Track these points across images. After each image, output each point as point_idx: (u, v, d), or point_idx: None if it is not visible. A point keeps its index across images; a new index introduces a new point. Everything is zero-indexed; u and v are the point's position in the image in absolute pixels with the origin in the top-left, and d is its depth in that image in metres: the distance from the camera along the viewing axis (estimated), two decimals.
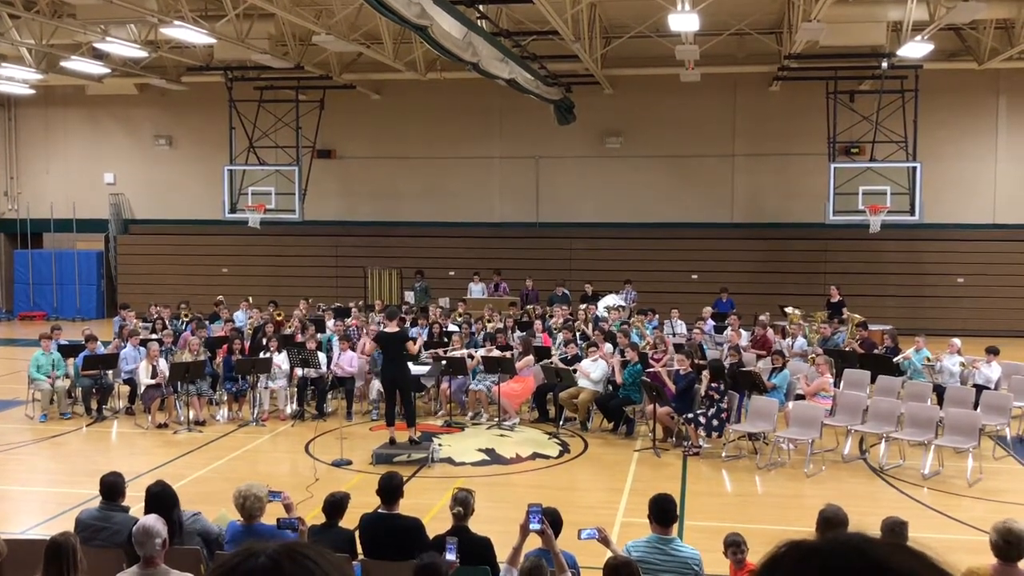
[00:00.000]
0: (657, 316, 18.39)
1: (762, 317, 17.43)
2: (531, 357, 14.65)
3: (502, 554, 6.29)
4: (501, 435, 13.52)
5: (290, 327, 17.35)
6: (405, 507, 7.18)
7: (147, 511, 6.31)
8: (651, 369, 13.57)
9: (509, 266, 23.42)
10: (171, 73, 23.22)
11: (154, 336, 16.02)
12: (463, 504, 6.63)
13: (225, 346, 15.20)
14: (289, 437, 13.55)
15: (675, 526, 6.53)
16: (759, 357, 15.32)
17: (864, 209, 19.94)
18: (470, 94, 23.61)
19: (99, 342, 15.15)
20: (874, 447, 12.12)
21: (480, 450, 12.63)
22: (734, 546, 6.46)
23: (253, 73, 22.13)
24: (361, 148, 25.73)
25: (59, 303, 26.78)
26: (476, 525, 6.73)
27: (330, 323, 17.43)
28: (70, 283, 26.78)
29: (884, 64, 19.13)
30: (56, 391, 14.48)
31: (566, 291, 21.39)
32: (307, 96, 23.45)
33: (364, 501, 7.88)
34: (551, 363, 14.63)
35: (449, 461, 12.09)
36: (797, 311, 18.11)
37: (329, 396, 14.92)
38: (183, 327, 17.45)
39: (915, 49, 16.81)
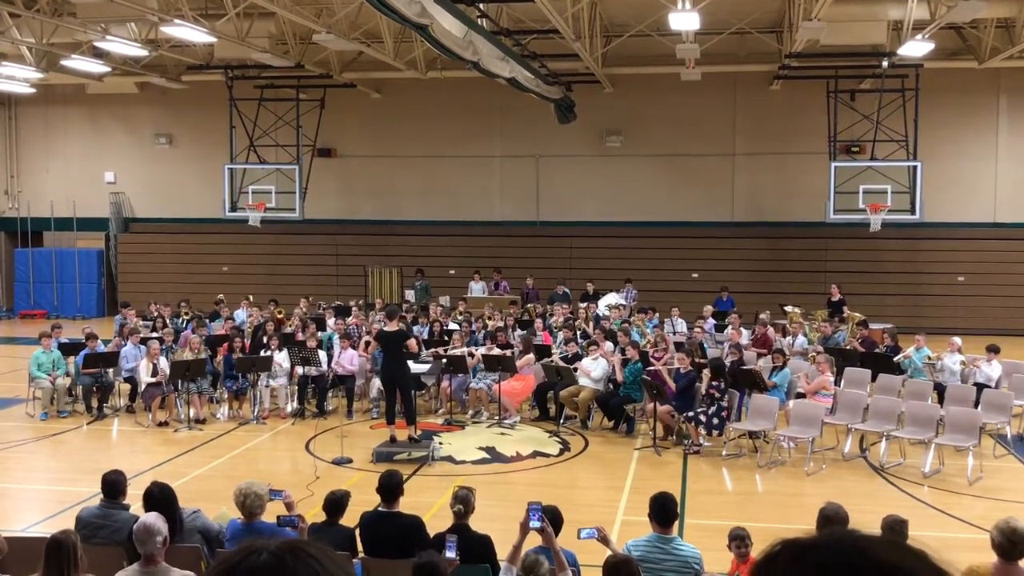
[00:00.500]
0: (657, 314, 18.38)
1: (763, 316, 17.44)
2: (532, 355, 14.64)
3: (502, 552, 6.30)
4: (501, 433, 13.53)
5: (291, 325, 17.35)
6: (405, 505, 7.18)
7: (146, 510, 6.32)
8: (651, 368, 13.58)
9: (510, 265, 23.42)
10: (171, 72, 23.22)
11: (154, 334, 16.03)
12: (463, 502, 6.63)
13: (226, 344, 15.20)
14: (289, 435, 13.56)
15: (675, 525, 6.54)
16: (760, 356, 15.31)
17: (865, 208, 19.93)
18: (471, 93, 23.60)
19: (99, 340, 15.16)
20: (874, 445, 12.12)
21: (480, 448, 12.64)
22: (738, 540, 6.46)
23: (253, 72, 22.12)
24: (361, 147, 25.73)
25: (59, 301, 26.79)
26: (476, 523, 6.73)
27: (331, 321, 17.43)
28: (70, 281, 26.78)
29: (885, 63, 19.12)
30: (56, 389, 14.49)
31: (567, 290, 21.39)
32: (307, 95, 23.45)
33: (364, 499, 7.88)
34: (552, 361, 14.64)
35: (449, 459, 12.09)
36: (797, 310, 18.11)
37: (330, 394, 14.92)
38: (183, 325, 17.45)
39: (916, 48, 16.80)
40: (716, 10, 16.26)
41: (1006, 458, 12.23)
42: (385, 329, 12.59)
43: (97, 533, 6.59)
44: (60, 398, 14.56)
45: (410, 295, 22.18)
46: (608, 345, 14.84)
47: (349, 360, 14.73)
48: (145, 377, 14.21)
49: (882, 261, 23.16)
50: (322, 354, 14.85)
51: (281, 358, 14.63)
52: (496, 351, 14.68)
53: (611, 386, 13.87)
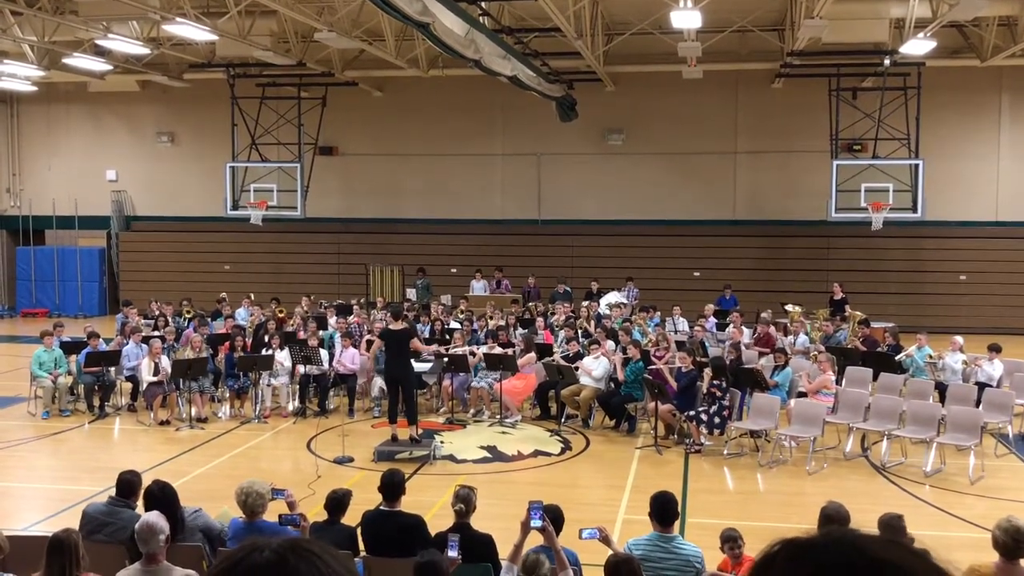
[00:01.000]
0: (659, 313, 18.38)
1: (764, 314, 17.43)
2: (533, 354, 14.65)
3: (504, 551, 6.30)
4: (503, 432, 13.53)
5: (292, 324, 17.37)
6: (407, 504, 7.19)
7: (147, 510, 6.32)
8: (653, 366, 13.58)
9: (511, 263, 23.42)
10: (173, 70, 23.23)
11: (156, 333, 16.04)
12: (465, 501, 6.63)
13: (227, 343, 15.21)
14: (291, 434, 13.56)
15: (676, 524, 6.54)
16: (762, 354, 15.31)
17: (866, 206, 19.91)
18: (472, 91, 23.60)
19: (101, 339, 15.17)
20: (876, 445, 12.11)
21: (482, 447, 12.64)
22: (731, 541, 6.47)
23: (255, 70, 22.12)
24: (363, 145, 25.73)
25: (61, 300, 26.81)
26: (478, 522, 6.73)
27: (332, 320, 17.44)
28: (72, 280, 26.79)
29: (886, 61, 19.09)
30: (58, 388, 14.50)
31: (568, 288, 21.39)
32: (309, 93, 23.44)
33: (366, 498, 7.88)
34: (553, 360, 14.64)
35: (451, 458, 12.09)
36: (798, 308, 18.11)
37: (331, 393, 14.93)
38: (185, 324, 17.46)
39: (918, 46, 16.79)
40: (718, 8, 16.24)
41: (1007, 457, 12.22)
42: (390, 327, 12.58)
43: (101, 530, 6.60)
44: (62, 397, 14.57)
45: (411, 294, 22.18)
46: (609, 344, 14.84)
47: (350, 359, 14.73)
48: (147, 376, 14.22)
49: (884, 260, 23.14)
50: (323, 353, 14.86)
51: (283, 357, 14.63)
52: (497, 350, 14.68)
53: (612, 385, 13.87)
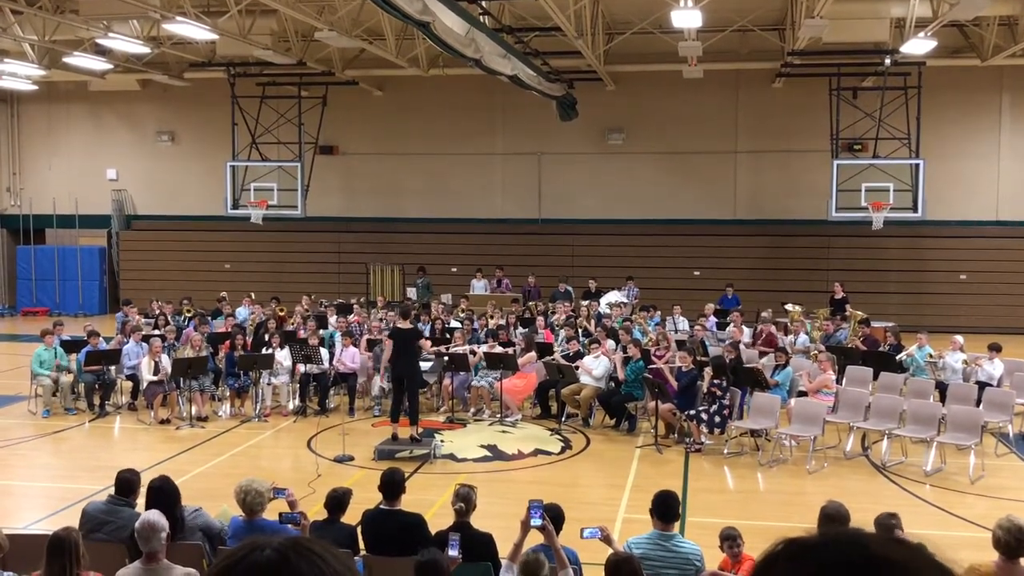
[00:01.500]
0: (659, 312, 18.38)
1: (764, 314, 17.42)
2: (533, 353, 14.65)
3: (504, 550, 6.30)
4: (503, 431, 13.53)
5: (292, 323, 17.37)
6: (407, 503, 7.19)
7: (148, 505, 6.33)
8: (653, 366, 13.58)
9: (511, 262, 23.41)
10: (173, 69, 23.22)
11: (156, 332, 16.05)
12: (465, 500, 6.63)
13: (227, 342, 15.21)
14: (291, 433, 13.56)
15: (676, 523, 6.54)
16: (763, 354, 15.30)
17: (867, 206, 19.91)
18: (472, 90, 23.60)
19: (101, 338, 15.17)
20: (876, 444, 12.10)
21: (482, 446, 12.64)
22: (730, 540, 6.48)
23: (255, 69, 22.12)
24: (363, 144, 25.73)
25: (61, 299, 26.81)
26: (478, 521, 6.74)
27: (332, 319, 17.44)
28: (72, 279, 26.79)
29: (887, 61, 19.10)
30: (62, 387, 14.52)
31: (568, 287, 21.39)
32: (309, 92, 23.44)
33: (366, 497, 7.88)
34: (553, 359, 14.65)
35: (451, 457, 12.09)
36: (798, 308, 18.10)
37: (331, 392, 14.92)
38: (185, 323, 17.47)
39: (918, 46, 16.79)
40: (718, 7, 16.24)
41: (1008, 457, 12.23)
42: (399, 327, 12.57)
43: (101, 528, 6.60)
44: (66, 395, 14.58)
45: (412, 293, 22.18)
46: (610, 343, 14.84)
47: (351, 358, 14.73)
48: (147, 375, 14.22)
49: (884, 259, 23.14)
50: (324, 352, 14.85)
51: (283, 356, 14.63)
52: (498, 349, 14.68)
53: (613, 384, 13.88)
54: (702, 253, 24.11)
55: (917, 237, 23.13)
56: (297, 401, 14.69)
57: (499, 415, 14.15)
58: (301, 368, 14.55)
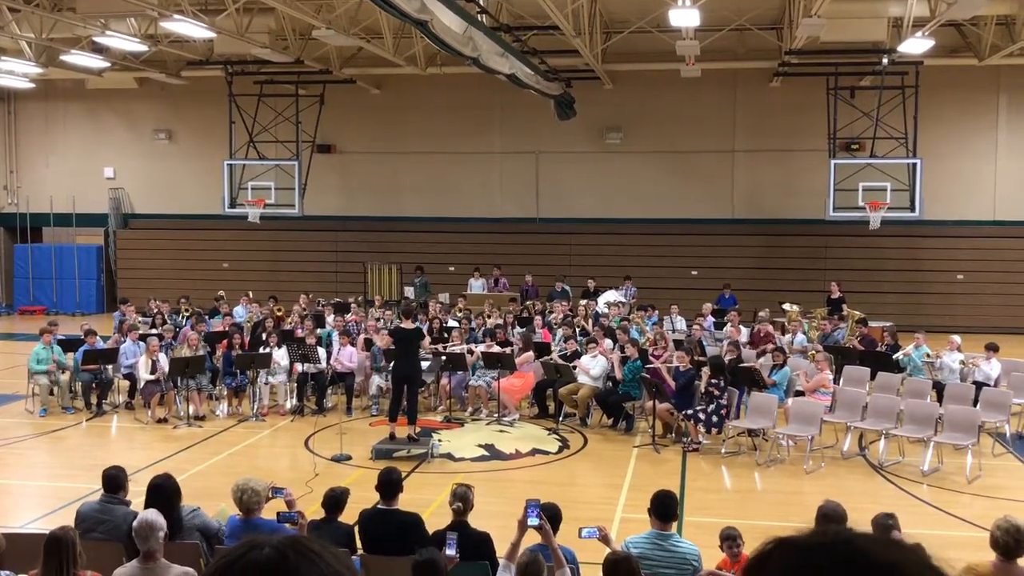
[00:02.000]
0: (657, 312, 18.39)
1: (761, 313, 17.43)
2: (531, 353, 14.65)
3: (501, 549, 6.29)
4: (500, 431, 13.53)
5: (290, 322, 17.35)
6: (404, 502, 7.19)
7: (148, 503, 6.32)
8: (651, 365, 13.58)
9: (509, 262, 23.41)
10: (171, 67, 23.19)
11: (154, 331, 16.03)
12: (462, 499, 6.63)
13: (225, 341, 15.20)
14: (289, 432, 13.56)
15: (675, 523, 6.54)
16: (760, 353, 15.31)
17: (864, 205, 19.93)
18: (470, 89, 23.58)
19: (98, 337, 15.15)
20: (873, 444, 12.12)
21: (479, 446, 12.64)
22: (730, 540, 6.47)
23: (253, 67, 22.10)
24: (361, 143, 25.71)
25: (58, 298, 26.77)
26: (475, 520, 6.74)
27: (330, 318, 17.42)
28: (70, 278, 26.76)
29: (885, 60, 19.10)
30: (60, 385, 14.50)
31: (566, 287, 21.38)
32: (307, 91, 23.42)
33: (363, 496, 7.88)
34: (551, 359, 14.64)
35: (448, 457, 12.09)
36: (795, 308, 18.11)
37: (329, 391, 14.91)
38: (183, 322, 17.45)
39: (916, 45, 16.79)
40: (716, 7, 16.24)
41: (1004, 456, 12.24)
42: (403, 327, 12.55)
43: (96, 528, 6.60)
44: (63, 394, 14.56)
45: (409, 292, 22.16)
46: (607, 343, 14.83)
47: (348, 357, 14.72)
48: (144, 374, 14.19)
49: (882, 259, 23.15)
50: (321, 351, 14.84)
51: (280, 355, 14.63)
52: (495, 348, 14.68)
53: (610, 384, 13.87)
54: (700, 252, 24.12)
55: (914, 237, 23.15)
56: (294, 400, 14.68)
57: (497, 414, 14.15)
58: (299, 367, 14.55)
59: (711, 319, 17.87)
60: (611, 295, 19.85)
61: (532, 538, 6.02)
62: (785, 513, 9.84)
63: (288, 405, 14.59)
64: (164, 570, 5.50)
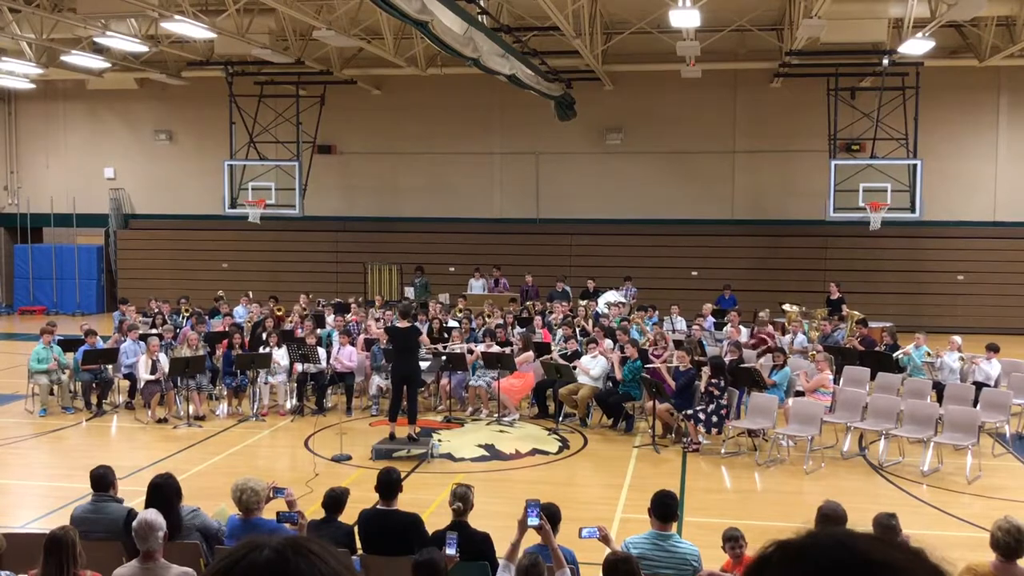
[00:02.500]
0: (657, 312, 18.39)
1: (761, 314, 17.42)
2: (531, 353, 14.64)
3: (501, 549, 6.30)
4: (500, 431, 13.53)
5: (290, 322, 17.35)
6: (404, 502, 7.19)
7: (149, 502, 6.33)
8: (651, 365, 13.58)
9: (509, 262, 23.42)
10: (171, 68, 23.20)
11: (154, 331, 16.03)
12: (462, 499, 6.63)
13: (225, 341, 15.20)
14: (288, 432, 13.56)
15: (675, 523, 6.54)
16: (761, 354, 15.30)
17: (864, 206, 19.91)
18: (471, 90, 23.59)
19: (98, 337, 15.15)
20: (873, 444, 12.12)
21: (479, 446, 12.64)
22: (732, 540, 6.47)
23: (253, 68, 22.11)
24: (361, 143, 25.72)
25: (59, 298, 26.78)
26: (475, 521, 6.74)
27: (330, 318, 17.43)
28: (70, 278, 26.77)
29: (885, 61, 19.10)
30: (60, 385, 14.50)
31: (566, 287, 21.39)
32: (307, 91, 23.42)
33: (363, 496, 7.88)
34: (551, 359, 14.64)
35: (448, 457, 12.09)
36: (795, 308, 18.11)
37: (329, 391, 14.91)
38: (183, 322, 17.45)
39: (916, 46, 16.79)
40: (716, 7, 16.24)
41: (1005, 457, 12.24)
42: (396, 325, 12.52)
43: (92, 528, 6.60)
44: (63, 394, 14.56)
45: (410, 292, 22.17)
46: (607, 343, 14.83)
47: (348, 357, 14.72)
48: (144, 374, 14.20)
49: (882, 259, 23.15)
50: (321, 351, 14.84)
51: (280, 355, 14.63)
52: (495, 348, 14.68)
53: (610, 384, 13.87)
54: (700, 253, 24.12)
55: (915, 237, 23.14)
56: (294, 400, 14.68)
57: (497, 415, 14.15)
58: (299, 367, 14.55)
59: (711, 319, 17.87)
60: (611, 295, 19.85)
61: (532, 538, 6.02)
62: (785, 513, 9.83)
63: (288, 405, 14.59)
64: (164, 570, 5.50)
